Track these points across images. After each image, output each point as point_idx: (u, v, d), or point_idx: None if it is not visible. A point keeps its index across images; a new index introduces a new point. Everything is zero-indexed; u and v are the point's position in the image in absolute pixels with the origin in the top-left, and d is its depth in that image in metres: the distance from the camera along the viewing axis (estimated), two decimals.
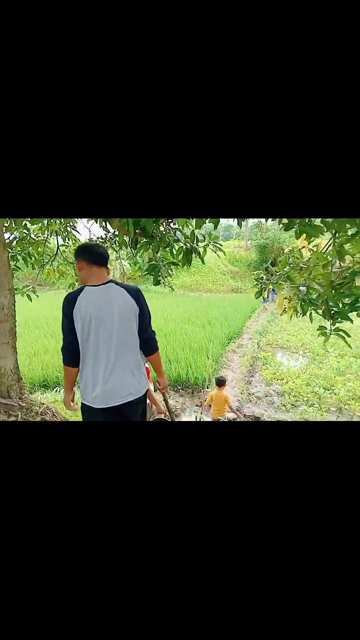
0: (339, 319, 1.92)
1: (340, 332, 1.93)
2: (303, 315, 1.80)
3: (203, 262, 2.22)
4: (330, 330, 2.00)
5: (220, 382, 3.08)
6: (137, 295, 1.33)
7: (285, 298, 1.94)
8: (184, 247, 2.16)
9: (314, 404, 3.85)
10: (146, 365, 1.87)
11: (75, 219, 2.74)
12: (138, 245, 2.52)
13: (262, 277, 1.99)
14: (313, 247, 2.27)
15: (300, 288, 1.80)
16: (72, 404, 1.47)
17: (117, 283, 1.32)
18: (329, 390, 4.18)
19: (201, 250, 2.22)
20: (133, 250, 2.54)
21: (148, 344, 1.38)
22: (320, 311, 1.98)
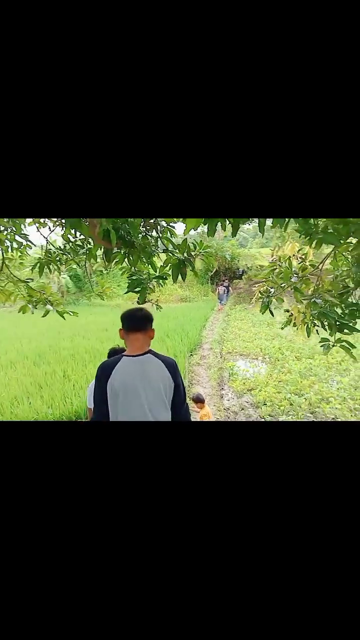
0: (346, 331, 1.80)
1: (344, 344, 1.83)
2: (326, 330, 1.62)
3: (197, 275, 1.93)
4: (334, 342, 1.89)
5: (202, 400, 2.88)
6: (174, 369, 1.28)
7: (298, 312, 1.75)
8: (176, 258, 1.83)
9: (289, 412, 3.83)
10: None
11: (23, 225, 2.19)
12: (112, 256, 2.09)
13: (270, 291, 1.78)
14: (302, 255, 2.15)
15: (317, 300, 1.62)
16: None
17: (155, 354, 1.27)
18: (299, 395, 4.22)
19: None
20: (106, 262, 2.10)
21: (181, 418, 1.30)
22: (325, 323, 1.85)
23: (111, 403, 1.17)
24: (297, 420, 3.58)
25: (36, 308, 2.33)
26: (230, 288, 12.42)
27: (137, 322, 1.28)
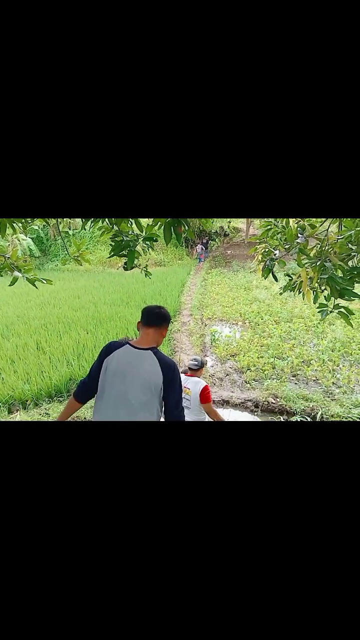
0: (346, 297, 1.70)
1: (342, 310, 1.74)
2: (339, 297, 1.49)
3: (193, 235, 1.68)
4: (332, 308, 1.79)
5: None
6: (169, 370, 1.26)
7: (306, 276, 1.59)
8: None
9: (272, 376, 3.89)
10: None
11: None
12: None
13: (275, 253, 1.59)
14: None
15: (326, 264, 1.47)
16: None
17: (157, 353, 1.30)
18: (281, 359, 4.29)
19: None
20: (83, 220, 1.78)
21: (174, 418, 1.30)
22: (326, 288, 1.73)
23: (102, 378, 1.29)
24: (282, 384, 3.65)
25: (0, 275, 1.98)
26: (207, 246, 12.75)
27: (150, 318, 1.34)
